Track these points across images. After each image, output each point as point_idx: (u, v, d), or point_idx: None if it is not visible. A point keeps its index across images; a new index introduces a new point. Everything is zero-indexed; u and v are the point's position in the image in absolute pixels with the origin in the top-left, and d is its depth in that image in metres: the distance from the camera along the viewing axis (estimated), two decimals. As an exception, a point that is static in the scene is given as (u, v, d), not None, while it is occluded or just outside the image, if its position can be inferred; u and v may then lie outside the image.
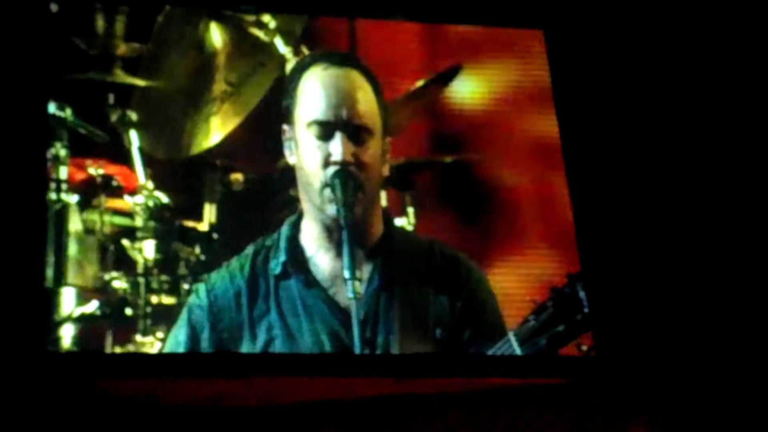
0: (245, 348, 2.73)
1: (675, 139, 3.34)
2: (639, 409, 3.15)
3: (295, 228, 2.78)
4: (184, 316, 2.75)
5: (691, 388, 3.25)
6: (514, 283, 2.91)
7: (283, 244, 2.77)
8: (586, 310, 2.77)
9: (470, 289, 2.81)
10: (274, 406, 2.98)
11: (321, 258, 2.76)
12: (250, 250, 2.79)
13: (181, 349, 2.73)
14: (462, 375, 2.87)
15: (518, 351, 2.73)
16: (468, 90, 3.07)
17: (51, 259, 2.78)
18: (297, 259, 2.76)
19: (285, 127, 2.80)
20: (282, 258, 2.76)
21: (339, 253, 2.74)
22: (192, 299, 2.77)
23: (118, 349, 2.77)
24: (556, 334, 2.74)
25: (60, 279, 2.78)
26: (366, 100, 2.77)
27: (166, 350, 2.75)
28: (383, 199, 2.89)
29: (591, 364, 2.94)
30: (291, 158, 2.80)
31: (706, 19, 3.39)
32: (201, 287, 2.77)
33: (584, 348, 2.80)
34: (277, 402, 2.98)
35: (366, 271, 2.77)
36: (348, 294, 2.69)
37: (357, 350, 2.71)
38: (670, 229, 3.26)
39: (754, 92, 3.38)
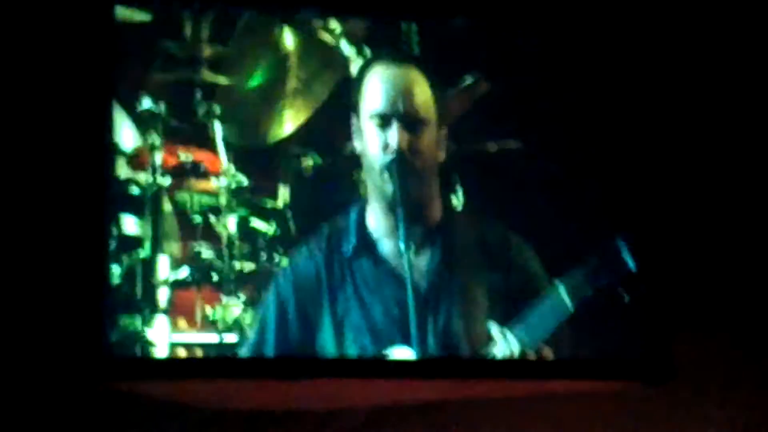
0: (326, 317, 2.98)
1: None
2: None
3: (362, 213, 3.04)
4: (272, 290, 2.99)
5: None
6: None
7: (352, 228, 3.03)
8: (629, 266, 2.94)
9: (521, 265, 3.05)
10: (337, 409, 3.22)
11: (386, 240, 3.03)
12: (325, 230, 3.03)
13: (272, 320, 2.96)
14: (523, 378, 3.03)
15: (568, 301, 2.93)
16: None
17: (149, 232, 3.03)
18: (365, 241, 3.02)
19: (353, 118, 3.05)
20: (352, 241, 3.02)
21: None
22: (278, 275, 3.01)
23: (208, 309, 3.01)
24: (600, 284, 2.93)
25: (157, 249, 3.02)
26: (422, 94, 3.01)
27: (258, 321, 2.97)
28: (441, 183, 3.09)
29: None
30: (357, 145, 3.04)
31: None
32: (286, 265, 3.02)
33: (626, 299, 2.94)
34: (330, 406, 3.22)
35: (427, 248, 3.03)
36: (404, 264, 2.96)
37: (413, 317, 2.95)
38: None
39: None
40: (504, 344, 2.96)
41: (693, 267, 3.37)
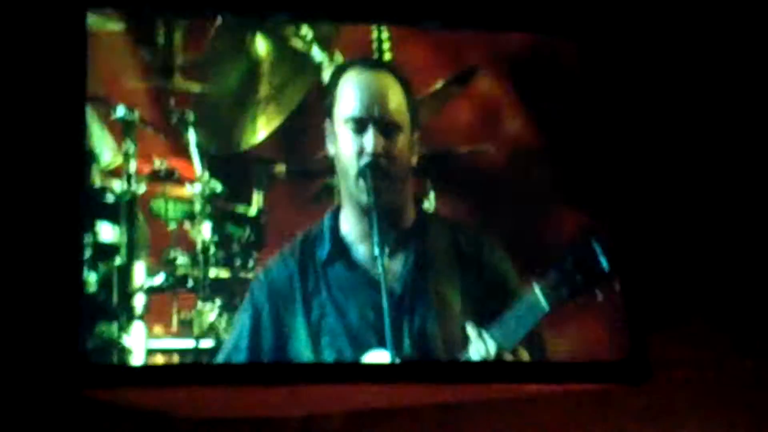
0: (300, 323, 3.00)
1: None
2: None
3: (336, 218, 3.06)
4: (247, 297, 3.01)
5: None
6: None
7: (326, 234, 3.05)
8: (601, 262, 2.97)
9: (493, 267, 3.09)
10: (314, 415, 3.23)
11: (360, 245, 3.05)
12: (298, 238, 3.06)
13: (246, 327, 2.98)
14: (501, 381, 3.02)
15: (543, 301, 2.96)
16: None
17: (124, 240, 3.05)
18: (339, 247, 3.05)
19: (326, 122, 3.07)
20: (327, 247, 3.04)
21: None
22: (253, 283, 3.03)
23: (184, 315, 3.03)
24: (575, 284, 2.96)
25: (132, 256, 3.04)
26: (395, 99, 3.04)
27: (234, 329, 2.99)
28: (413, 187, 3.12)
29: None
30: (331, 150, 3.07)
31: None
32: (260, 273, 3.05)
33: (600, 296, 2.97)
34: (309, 412, 3.23)
35: (401, 251, 3.05)
36: (377, 268, 2.98)
37: (387, 321, 2.95)
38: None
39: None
40: (480, 345, 2.99)
41: (669, 266, 3.41)
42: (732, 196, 3.51)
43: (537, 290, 2.98)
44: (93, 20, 3.14)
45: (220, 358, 3.03)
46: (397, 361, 2.98)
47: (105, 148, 3.14)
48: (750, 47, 3.61)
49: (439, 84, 3.25)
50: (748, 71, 3.59)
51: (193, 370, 3.03)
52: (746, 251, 3.48)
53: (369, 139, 3.03)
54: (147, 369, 3.01)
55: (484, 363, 2.98)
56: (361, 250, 3.07)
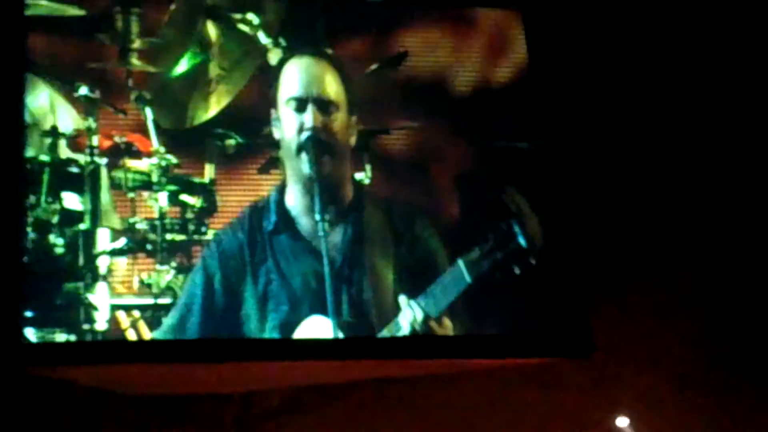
0: (249, 289, 3.24)
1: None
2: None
3: (281, 193, 3.31)
4: (199, 264, 3.26)
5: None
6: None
7: (272, 207, 3.30)
8: (519, 241, 3.20)
9: (423, 241, 3.34)
10: (261, 390, 3.40)
11: (303, 217, 3.30)
12: (246, 211, 3.30)
13: (198, 290, 3.22)
14: (444, 356, 3.21)
15: (466, 274, 3.20)
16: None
17: (88, 207, 3.29)
18: (285, 218, 3.30)
19: (272, 110, 3.32)
20: (273, 218, 3.30)
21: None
22: (205, 251, 3.28)
23: (143, 275, 3.27)
24: (495, 260, 3.20)
25: (96, 222, 3.29)
26: (332, 82, 3.30)
27: (185, 291, 3.23)
28: (351, 166, 3.35)
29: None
30: (276, 134, 3.32)
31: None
32: (212, 242, 3.29)
33: (517, 272, 3.19)
34: (253, 388, 3.40)
35: (341, 225, 3.29)
36: (319, 232, 3.24)
37: (329, 288, 3.19)
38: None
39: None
40: (409, 312, 3.25)
41: (611, 241, 3.59)
42: (675, 180, 3.68)
43: (461, 264, 3.24)
44: (54, 6, 3.38)
45: (173, 316, 3.27)
46: (337, 325, 3.22)
47: (69, 121, 3.38)
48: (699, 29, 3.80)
49: (373, 66, 3.51)
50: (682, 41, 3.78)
51: (134, 348, 3.25)
52: (688, 224, 3.65)
53: (309, 116, 3.30)
54: (87, 346, 3.22)
55: (426, 337, 3.21)
56: (304, 222, 3.31)
